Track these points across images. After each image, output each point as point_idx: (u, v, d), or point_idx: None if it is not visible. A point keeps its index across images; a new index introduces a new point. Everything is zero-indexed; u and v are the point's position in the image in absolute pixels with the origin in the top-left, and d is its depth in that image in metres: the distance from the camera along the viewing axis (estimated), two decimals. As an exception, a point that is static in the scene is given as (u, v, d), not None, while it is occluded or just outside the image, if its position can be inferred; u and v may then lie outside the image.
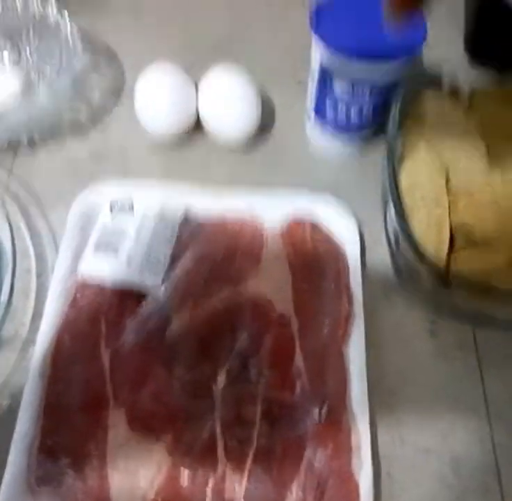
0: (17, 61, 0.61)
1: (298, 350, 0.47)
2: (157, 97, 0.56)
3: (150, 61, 0.59)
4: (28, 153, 0.58)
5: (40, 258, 0.52)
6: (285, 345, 0.47)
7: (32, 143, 0.58)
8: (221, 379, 0.46)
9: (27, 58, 0.61)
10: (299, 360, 0.46)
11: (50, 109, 0.56)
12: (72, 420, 0.43)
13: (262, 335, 0.48)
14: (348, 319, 0.48)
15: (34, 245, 0.52)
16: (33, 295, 0.50)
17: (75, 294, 0.48)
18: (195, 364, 0.46)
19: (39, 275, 0.51)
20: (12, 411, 0.43)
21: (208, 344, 0.47)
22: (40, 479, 0.41)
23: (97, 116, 0.61)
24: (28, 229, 0.53)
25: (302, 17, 0.67)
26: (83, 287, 0.48)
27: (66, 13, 0.58)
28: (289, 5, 0.71)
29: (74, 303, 0.48)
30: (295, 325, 0.48)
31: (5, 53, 0.60)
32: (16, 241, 0.52)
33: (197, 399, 0.45)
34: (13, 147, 0.58)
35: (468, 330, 0.49)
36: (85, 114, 0.60)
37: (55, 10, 0.58)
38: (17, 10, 0.60)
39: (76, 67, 0.56)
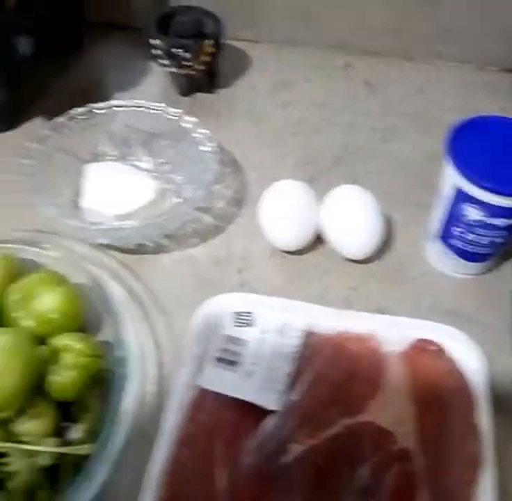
0: (152, 170, 0.62)
1: (422, 493, 0.42)
2: (283, 213, 0.56)
3: (271, 174, 0.61)
4: (153, 257, 0.58)
5: (159, 364, 0.50)
6: (408, 484, 0.43)
7: (157, 247, 0.58)
8: (340, 516, 0.41)
9: (161, 167, 0.62)
10: (424, 505, 0.42)
11: (177, 217, 0.56)
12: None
13: (383, 470, 0.43)
14: (477, 464, 0.43)
15: (156, 350, 0.51)
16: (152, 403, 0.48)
17: (194, 407, 0.46)
18: (312, 497, 0.42)
19: (157, 383, 0.49)
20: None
21: (326, 476, 0.43)
22: None
23: (220, 225, 0.60)
24: (151, 334, 0.52)
25: (423, 143, 0.68)
26: (202, 400, 0.46)
27: (200, 127, 0.59)
28: (409, 130, 0.70)
29: (192, 417, 0.45)
30: (419, 464, 0.44)
31: (143, 163, 0.62)
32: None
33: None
34: (140, 250, 0.58)
35: None
36: (209, 222, 0.60)
37: (190, 122, 0.60)
38: (155, 121, 0.61)
39: (207, 179, 0.56)
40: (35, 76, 0.72)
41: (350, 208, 0.55)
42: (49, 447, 0.40)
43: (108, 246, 0.57)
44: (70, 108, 0.61)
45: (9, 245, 0.53)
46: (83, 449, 0.41)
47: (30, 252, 0.53)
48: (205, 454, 0.44)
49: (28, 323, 0.47)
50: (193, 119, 0.60)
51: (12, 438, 0.41)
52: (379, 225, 0.55)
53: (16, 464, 0.39)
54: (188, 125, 0.60)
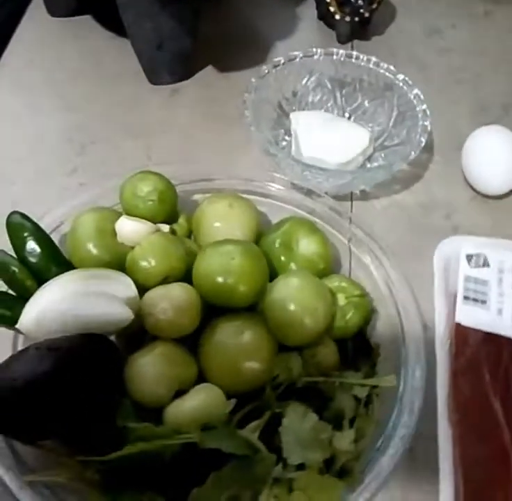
0: (352, 117, 0.63)
1: None
2: (487, 158, 0.58)
3: (448, 120, 0.64)
4: (363, 203, 0.59)
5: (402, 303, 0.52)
6: None
7: (363, 195, 0.60)
8: None
9: (360, 115, 0.63)
10: None
11: (387, 165, 0.58)
12: (485, 470, 0.43)
13: None
14: None
15: (388, 290, 0.53)
16: (401, 339, 0.50)
17: (458, 342, 0.49)
18: None
19: (398, 321, 0.51)
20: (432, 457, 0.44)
21: None
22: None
23: (416, 171, 0.62)
24: (385, 276, 0.53)
25: None
26: (463, 335, 0.49)
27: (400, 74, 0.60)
28: None
29: (459, 351, 0.48)
30: None
31: (343, 110, 0.63)
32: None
33: None
34: (347, 197, 0.59)
35: None
36: (405, 169, 0.61)
37: (390, 70, 0.60)
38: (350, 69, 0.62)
39: (416, 128, 0.57)
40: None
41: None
42: (361, 380, 0.43)
43: (319, 194, 0.58)
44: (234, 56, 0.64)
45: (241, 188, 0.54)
46: (391, 381, 0.43)
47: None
48: (478, 384, 0.47)
49: (291, 266, 0.49)
50: (392, 67, 0.61)
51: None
52: None
53: (338, 393, 0.42)
54: (388, 73, 0.60)
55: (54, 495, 0.39)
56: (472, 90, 0.70)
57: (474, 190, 0.60)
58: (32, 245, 0.46)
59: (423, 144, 0.56)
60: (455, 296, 0.51)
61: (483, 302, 0.50)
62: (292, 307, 0.43)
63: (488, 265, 0.53)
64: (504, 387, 0.47)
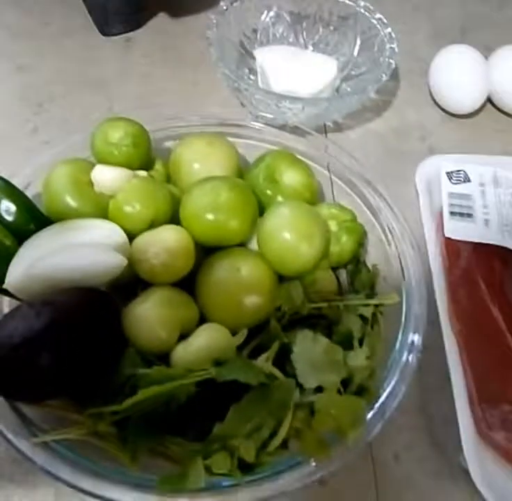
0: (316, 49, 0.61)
1: None
2: (454, 78, 0.57)
3: (409, 46, 0.62)
4: (337, 135, 0.58)
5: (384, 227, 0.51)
6: None
7: (336, 127, 0.58)
8: None
9: (322, 46, 0.61)
10: None
11: (348, 93, 0.56)
12: (493, 371, 0.43)
13: None
14: None
15: (375, 216, 0.52)
16: (395, 261, 0.49)
17: (451, 255, 0.48)
18: None
19: (389, 244, 0.51)
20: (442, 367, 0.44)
21: None
22: (488, 426, 0.41)
23: (384, 99, 0.61)
24: (365, 203, 0.53)
25: None
26: (454, 249, 0.49)
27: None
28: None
29: (451, 263, 0.48)
30: None
31: (305, 43, 0.61)
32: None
33: None
34: (321, 129, 0.58)
35: None
36: (374, 97, 0.60)
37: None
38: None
39: (383, 54, 0.55)
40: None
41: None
42: (365, 300, 0.42)
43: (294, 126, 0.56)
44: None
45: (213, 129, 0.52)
46: (394, 298, 0.42)
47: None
48: (474, 293, 0.47)
49: (278, 199, 0.47)
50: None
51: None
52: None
53: (344, 315, 0.41)
54: (347, 1, 0.59)
55: (71, 452, 0.37)
56: (428, 15, 0.69)
57: (444, 111, 0.60)
58: (6, 203, 0.42)
59: (393, 66, 0.55)
60: (441, 214, 0.51)
61: (469, 215, 0.50)
62: (288, 235, 0.42)
63: (469, 180, 0.53)
64: (500, 294, 0.47)
